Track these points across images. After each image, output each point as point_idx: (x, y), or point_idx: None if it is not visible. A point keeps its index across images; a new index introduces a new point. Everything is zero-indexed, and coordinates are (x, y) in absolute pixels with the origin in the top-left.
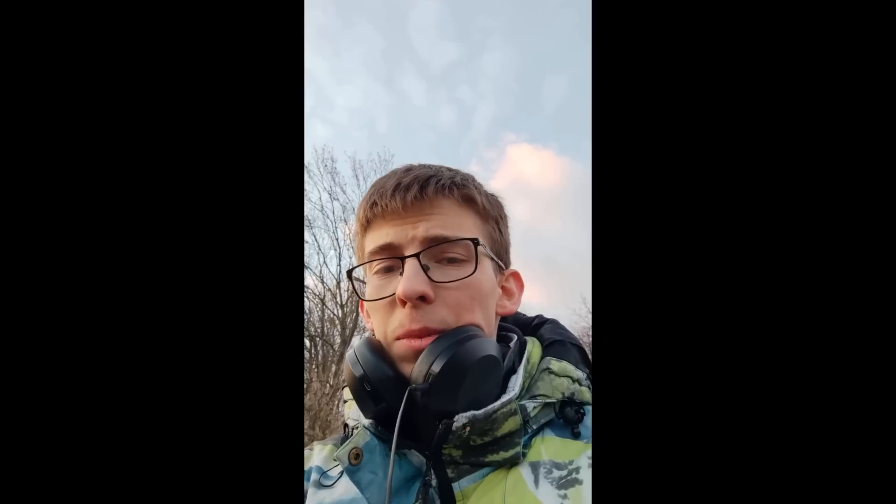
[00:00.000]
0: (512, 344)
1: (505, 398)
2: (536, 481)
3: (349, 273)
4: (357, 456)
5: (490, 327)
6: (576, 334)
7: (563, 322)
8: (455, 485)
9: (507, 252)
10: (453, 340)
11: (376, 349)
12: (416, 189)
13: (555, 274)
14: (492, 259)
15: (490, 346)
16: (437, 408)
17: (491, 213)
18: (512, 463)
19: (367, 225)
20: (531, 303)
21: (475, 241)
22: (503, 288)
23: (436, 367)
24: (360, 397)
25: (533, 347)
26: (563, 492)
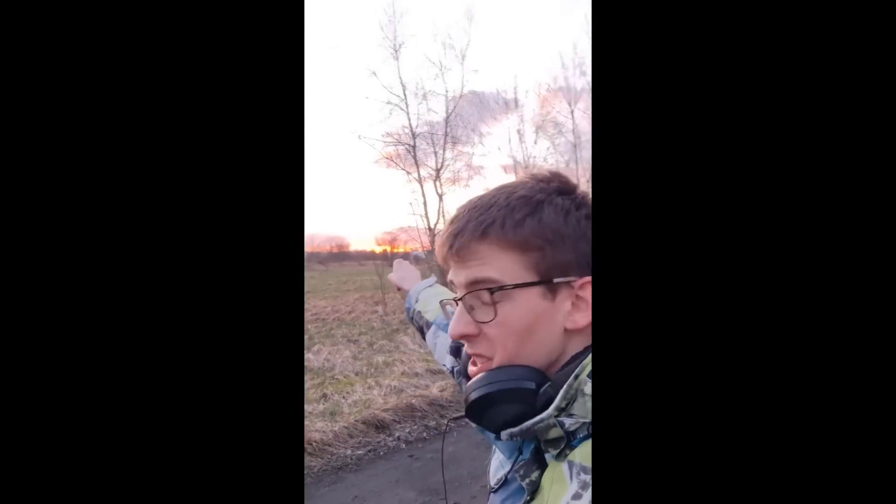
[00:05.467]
0: (568, 367)
1: (539, 416)
2: (571, 479)
3: (442, 304)
4: None
5: (538, 354)
6: None
7: None
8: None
9: (572, 265)
10: (487, 382)
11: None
12: (462, 238)
13: None
14: (539, 284)
15: (512, 383)
16: (482, 427)
17: (532, 242)
18: (562, 457)
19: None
20: None
21: (490, 290)
22: (575, 300)
23: (472, 396)
24: None
25: (584, 369)
26: (584, 493)
